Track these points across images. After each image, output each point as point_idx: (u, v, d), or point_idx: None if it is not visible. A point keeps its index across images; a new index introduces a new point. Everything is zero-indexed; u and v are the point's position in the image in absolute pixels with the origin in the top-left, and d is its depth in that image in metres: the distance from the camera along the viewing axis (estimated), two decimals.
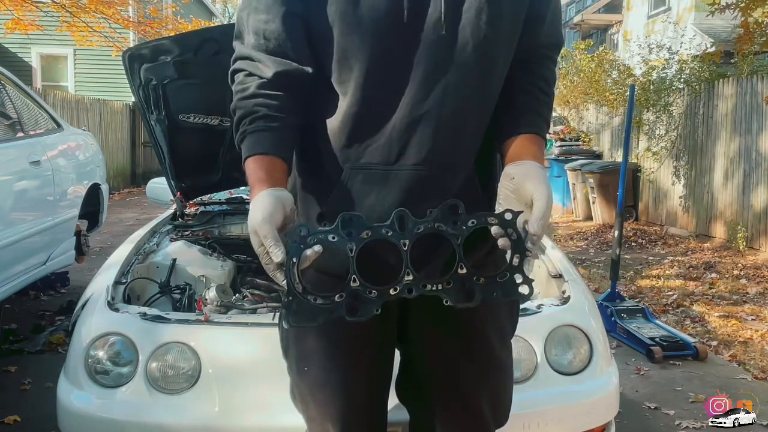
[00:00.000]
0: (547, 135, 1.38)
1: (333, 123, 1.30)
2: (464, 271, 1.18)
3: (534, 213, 1.18)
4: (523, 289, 1.20)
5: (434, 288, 1.18)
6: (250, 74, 1.29)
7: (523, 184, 1.22)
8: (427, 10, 1.24)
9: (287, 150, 1.29)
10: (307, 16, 1.26)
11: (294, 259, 1.15)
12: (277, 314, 1.94)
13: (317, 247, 1.16)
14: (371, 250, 1.20)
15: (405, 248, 1.18)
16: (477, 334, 1.40)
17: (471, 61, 1.25)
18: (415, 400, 1.48)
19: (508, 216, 1.19)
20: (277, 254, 1.13)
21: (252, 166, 1.26)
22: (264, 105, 1.27)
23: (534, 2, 1.31)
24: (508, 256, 1.19)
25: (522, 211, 1.19)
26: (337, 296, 1.16)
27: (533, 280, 1.21)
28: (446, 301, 1.18)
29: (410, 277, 1.17)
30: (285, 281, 1.15)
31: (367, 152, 1.28)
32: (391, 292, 1.17)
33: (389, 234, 1.18)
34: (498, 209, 1.25)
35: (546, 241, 2.75)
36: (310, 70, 1.28)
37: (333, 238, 1.17)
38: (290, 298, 1.16)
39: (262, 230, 1.15)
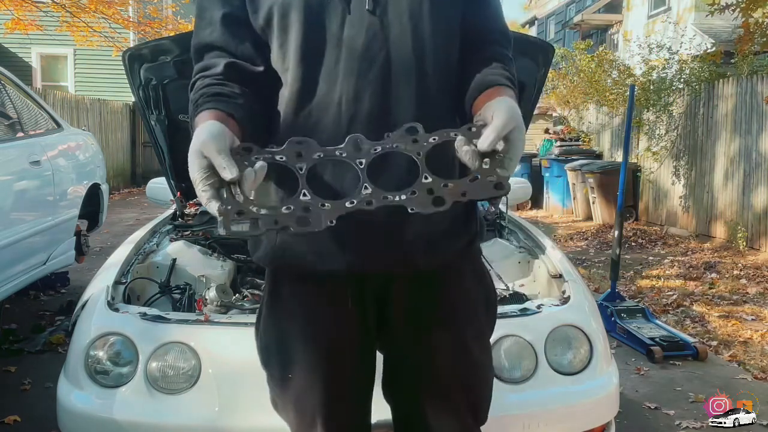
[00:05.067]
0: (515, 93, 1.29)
1: (282, 108, 1.29)
2: (429, 180, 1.11)
3: (489, 127, 1.12)
4: (498, 187, 1.12)
5: (397, 199, 1.10)
6: (205, 77, 1.27)
7: (486, 111, 1.17)
8: None
9: (241, 116, 1.21)
10: (241, 14, 1.29)
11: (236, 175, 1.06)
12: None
13: (260, 164, 1.08)
14: (324, 181, 1.17)
15: (361, 167, 1.11)
16: (453, 333, 1.39)
17: (399, 34, 1.26)
18: (395, 398, 1.47)
19: (470, 128, 1.14)
20: (232, 170, 1.05)
21: (199, 118, 1.18)
22: (219, 87, 1.24)
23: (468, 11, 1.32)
24: (470, 161, 1.12)
25: (484, 124, 1.14)
26: (284, 208, 1.08)
27: (508, 177, 1.13)
28: (411, 209, 1.10)
29: (368, 191, 1.10)
30: (223, 199, 1.06)
31: (318, 129, 1.25)
32: (347, 204, 1.09)
33: (343, 155, 1.12)
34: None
35: (546, 241, 2.75)
36: (260, 67, 1.29)
37: (281, 158, 1.10)
38: (228, 207, 1.06)
39: (209, 147, 1.07)
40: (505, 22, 1.43)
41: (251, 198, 1.08)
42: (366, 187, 1.10)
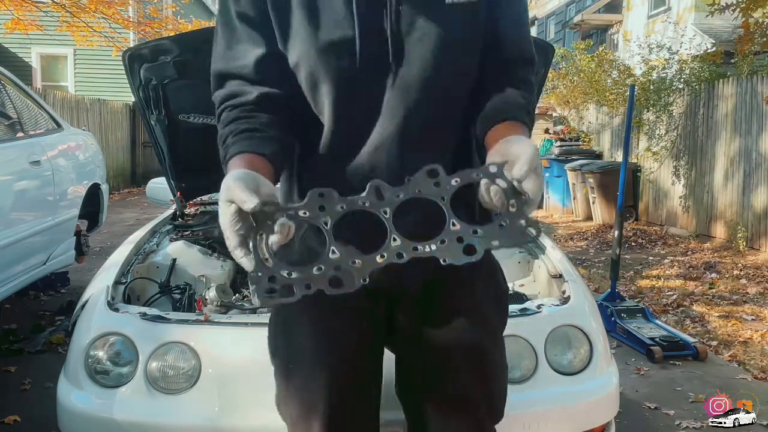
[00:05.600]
0: (533, 130, 1.34)
1: (318, 146, 1.32)
2: (457, 227, 1.08)
3: (518, 162, 1.11)
4: (530, 231, 1.09)
5: (427, 249, 1.07)
6: (234, 107, 1.28)
7: (508, 148, 1.16)
8: (375, 39, 1.25)
9: (271, 151, 1.23)
10: (277, 52, 1.28)
11: (261, 234, 1.05)
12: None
13: (283, 220, 1.06)
14: (350, 227, 1.14)
15: (387, 215, 1.09)
16: (464, 332, 1.39)
17: (421, 88, 1.27)
18: (409, 397, 1.47)
19: (493, 168, 1.12)
20: (252, 200, 1.04)
21: (230, 165, 1.19)
22: (246, 122, 1.25)
23: (491, 22, 1.30)
24: (499, 202, 1.10)
25: (506, 162, 1.12)
26: (315, 269, 1.05)
27: (538, 221, 1.11)
28: (444, 261, 1.07)
29: (397, 242, 1.08)
30: (252, 257, 1.05)
31: (345, 171, 1.29)
32: (378, 259, 1.07)
33: (366, 204, 1.10)
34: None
35: (546, 241, 2.75)
36: (291, 95, 1.30)
37: (305, 213, 1.08)
38: (259, 273, 1.05)
39: (234, 191, 1.06)
40: (530, 37, 1.41)
41: (274, 250, 1.06)
42: (395, 239, 1.08)
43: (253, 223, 1.06)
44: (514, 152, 1.13)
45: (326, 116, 1.29)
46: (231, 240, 1.07)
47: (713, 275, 6.37)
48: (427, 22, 1.25)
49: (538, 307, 2.10)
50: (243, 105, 1.27)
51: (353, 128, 1.29)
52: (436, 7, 1.25)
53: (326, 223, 1.08)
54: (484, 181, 1.11)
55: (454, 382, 1.39)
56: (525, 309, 2.08)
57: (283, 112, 1.29)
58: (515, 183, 1.10)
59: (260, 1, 1.27)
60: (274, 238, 1.05)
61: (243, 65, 1.29)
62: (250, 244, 1.06)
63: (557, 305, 2.13)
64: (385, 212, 1.09)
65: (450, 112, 1.33)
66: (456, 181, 1.11)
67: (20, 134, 4.20)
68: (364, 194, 1.10)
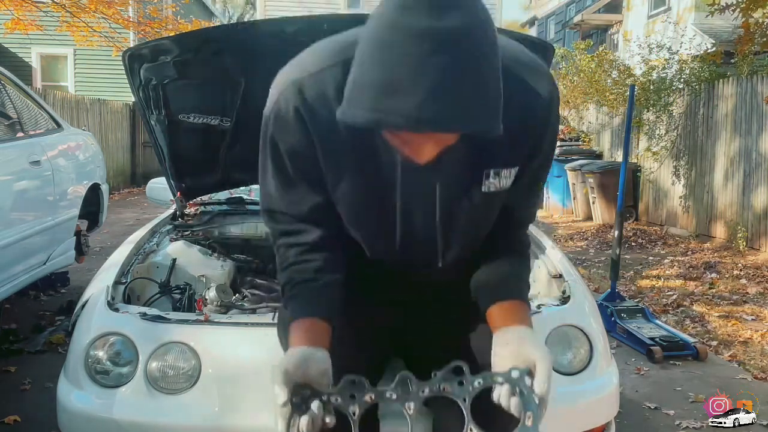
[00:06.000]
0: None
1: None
2: None
3: (538, 374, 1.22)
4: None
5: None
6: (290, 245, 1.39)
7: (521, 349, 1.26)
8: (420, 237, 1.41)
9: (328, 309, 1.36)
10: (328, 200, 1.39)
11: (296, 416, 1.17)
12: (277, 314, 1.95)
13: (317, 405, 1.17)
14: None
15: (410, 411, 1.19)
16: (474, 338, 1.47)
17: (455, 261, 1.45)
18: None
19: (515, 374, 1.21)
20: (280, 397, 1.18)
21: (293, 328, 1.33)
22: (302, 270, 1.37)
23: (510, 197, 1.41)
24: (517, 412, 1.20)
25: (529, 369, 1.23)
26: None
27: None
28: None
29: None
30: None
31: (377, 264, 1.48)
32: None
33: (393, 397, 1.19)
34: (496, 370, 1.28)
35: (546, 241, 2.75)
36: (340, 233, 1.42)
37: (336, 399, 1.19)
38: None
39: (277, 375, 1.20)
40: (533, 211, 1.57)
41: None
42: None
43: (291, 404, 1.18)
44: (532, 360, 1.24)
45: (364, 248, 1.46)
46: (278, 416, 1.20)
47: (713, 275, 6.37)
48: (467, 210, 1.38)
49: (538, 307, 2.10)
50: (301, 245, 1.39)
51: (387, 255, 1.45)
52: (474, 196, 1.36)
53: (354, 413, 1.19)
54: (505, 389, 1.21)
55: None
56: None
57: (337, 249, 1.41)
58: (535, 396, 1.20)
59: (314, 158, 1.33)
60: (304, 421, 1.17)
61: (299, 210, 1.39)
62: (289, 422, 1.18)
63: (557, 305, 2.13)
64: (409, 408, 1.20)
65: (478, 241, 1.48)
66: (479, 383, 1.21)
67: (20, 134, 4.20)
68: (392, 385, 1.21)
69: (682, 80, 8.93)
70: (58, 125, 4.87)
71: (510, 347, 1.27)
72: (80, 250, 4.86)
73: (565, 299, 2.16)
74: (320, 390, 1.19)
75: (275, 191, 1.39)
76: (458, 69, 1.03)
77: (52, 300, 4.93)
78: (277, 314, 2.01)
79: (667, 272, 6.58)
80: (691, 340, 4.19)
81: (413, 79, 1.02)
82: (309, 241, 1.38)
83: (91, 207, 5.04)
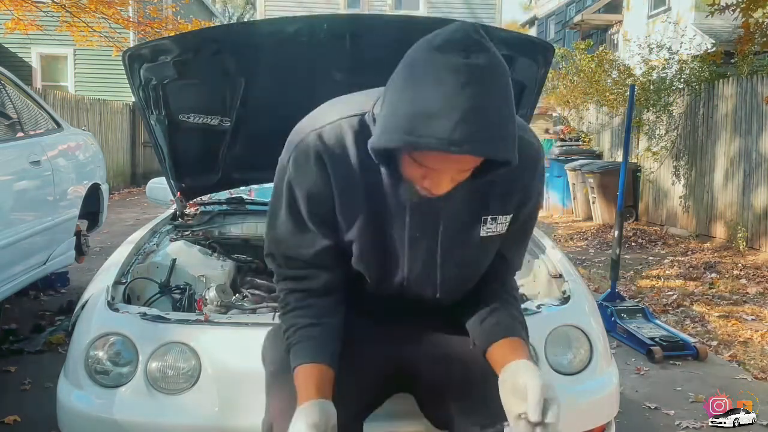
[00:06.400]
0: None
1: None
2: None
3: (530, 401, 1.28)
4: None
5: None
6: (293, 291, 1.48)
7: (516, 381, 1.33)
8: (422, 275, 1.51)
9: (331, 353, 1.43)
10: (337, 243, 1.47)
11: None
12: (277, 314, 1.95)
13: None
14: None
15: None
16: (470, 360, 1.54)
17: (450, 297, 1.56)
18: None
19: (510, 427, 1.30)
20: None
21: (300, 376, 1.39)
22: (303, 315, 1.45)
23: (502, 244, 1.54)
24: None
25: (522, 413, 1.29)
26: None
27: None
28: None
29: None
30: None
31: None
32: None
33: None
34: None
35: (546, 241, 2.75)
36: (342, 276, 1.50)
37: None
38: None
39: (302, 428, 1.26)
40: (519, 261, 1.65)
41: None
42: None
43: None
44: (522, 386, 1.31)
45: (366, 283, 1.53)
46: None
47: (713, 275, 6.37)
48: (465, 249, 1.49)
49: (538, 307, 2.10)
50: (304, 291, 1.48)
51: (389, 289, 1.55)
52: (473, 238, 1.48)
53: None
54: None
55: (485, 406, 1.49)
56: (525, 309, 2.07)
57: (338, 292, 1.50)
58: (538, 428, 1.28)
59: (329, 201, 1.42)
60: None
61: (307, 253, 1.46)
62: None
63: (557, 305, 2.13)
64: None
65: (473, 279, 1.58)
66: None
67: (20, 134, 4.19)
68: None
69: (682, 80, 8.93)
70: (58, 125, 4.86)
71: (507, 384, 1.35)
72: (80, 250, 4.86)
73: (565, 299, 2.17)
74: None
75: (286, 235, 1.46)
76: (487, 99, 1.17)
77: (52, 300, 4.94)
78: (277, 313, 2.02)
79: (667, 272, 6.59)
80: (691, 340, 4.19)
81: (448, 106, 1.15)
82: (313, 287, 1.47)
83: (91, 207, 5.04)
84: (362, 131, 1.37)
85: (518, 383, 1.32)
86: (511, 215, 1.49)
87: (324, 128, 1.40)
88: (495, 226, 1.48)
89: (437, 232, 1.45)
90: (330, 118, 1.41)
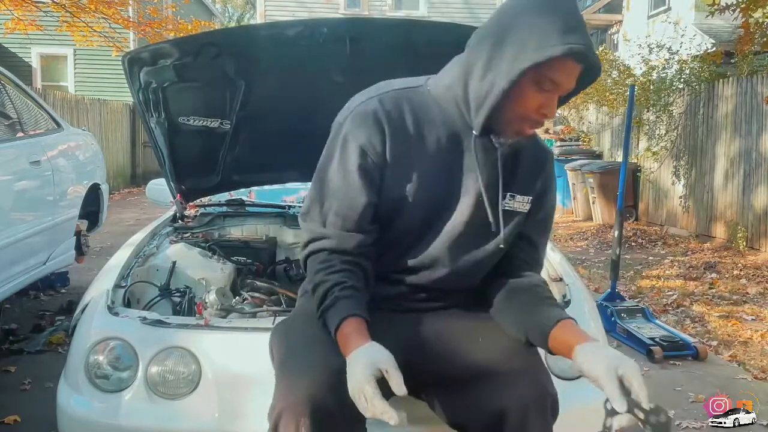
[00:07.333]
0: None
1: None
2: None
3: (607, 393, 1.33)
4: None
5: None
6: (332, 250, 1.52)
7: (587, 374, 1.39)
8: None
9: (367, 312, 1.48)
10: (377, 203, 1.54)
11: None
12: (278, 318, 1.95)
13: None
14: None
15: None
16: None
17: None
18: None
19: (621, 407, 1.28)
20: (393, 416, 1.28)
21: (354, 324, 1.42)
22: (350, 277, 1.50)
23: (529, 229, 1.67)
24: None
25: (628, 394, 1.33)
26: None
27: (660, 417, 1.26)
28: None
29: None
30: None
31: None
32: None
33: None
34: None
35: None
36: (375, 236, 1.56)
37: None
38: None
39: (366, 392, 1.30)
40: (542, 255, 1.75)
41: None
42: None
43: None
44: (594, 379, 1.37)
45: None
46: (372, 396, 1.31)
47: (713, 275, 6.38)
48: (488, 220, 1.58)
49: None
50: (347, 252, 1.53)
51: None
52: (497, 209, 1.57)
53: None
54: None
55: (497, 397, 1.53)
56: None
57: (371, 259, 1.56)
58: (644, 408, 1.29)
59: (381, 156, 1.51)
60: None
61: (349, 209, 1.52)
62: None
63: None
64: None
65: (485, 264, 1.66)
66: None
67: (20, 134, 4.19)
68: None
69: (682, 80, 8.93)
70: (58, 125, 4.86)
71: (600, 365, 1.36)
72: (80, 250, 4.86)
73: (566, 303, 2.16)
74: None
75: (334, 189, 1.52)
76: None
77: (52, 300, 4.94)
78: (277, 317, 2.02)
79: (667, 272, 6.59)
80: (691, 340, 4.19)
81: (578, 22, 1.40)
82: (352, 248, 1.52)
83: (91, 207, 5.04)
84: (420, 99, 1.54)
85: (591, 377, 1.38)
86: (531, 198, 1.62)
87: (383, 95, 1.53)
88: (513, 203, 1.60)
89: (473, 197, 1.56)
90: (388, 89, 1.56)
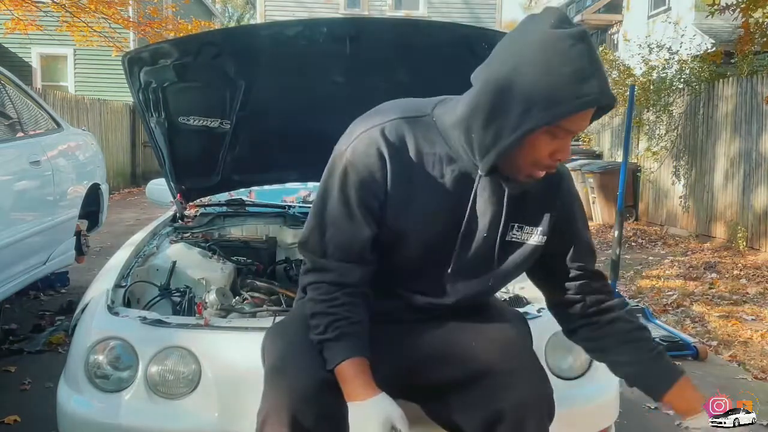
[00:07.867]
0: None
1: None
2: None
3: None
4: None
5: None
6: (335, 283, 1.49)
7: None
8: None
9: (366, 347, 1.47)
10: (378, 234, 1.51)
11: None
12: (277, 318, 1.95)
13: None
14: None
15: None
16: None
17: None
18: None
19: None
20: None
21: (358, 366, 1.42)
22: (355, 312, 1.48)
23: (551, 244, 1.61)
24: None
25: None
26: None
27: None
28: None
29: None
30: None
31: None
32: None
33: None
34: None
35: None
36: (376, 265, 1.54)
37: None
38: None
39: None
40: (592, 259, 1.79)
41: None
42: None
43: None
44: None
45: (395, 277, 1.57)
46: None
47: (713, 275, 6.38)
48: (487, 248, 1.56)
49: (539, 311, 2.10)
50: (347, 285, 1.50)
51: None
52: (500, 239, 1.56)
53: None
54: None
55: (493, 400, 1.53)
56: (525, 313, 2.08)
57: (369, 291, 1.53)
58: None
59: (381, 191, 1.48)
60: None
61: (351, 242, 1.49)
62: None
63: None
64: None
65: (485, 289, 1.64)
66: None
67: (20, 134, 4.19)
68: None
69: (682, 80, 8.93)
70: (58, 125, 4.86)
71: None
72: (80, 250, 4.86)
73: None
74: None
75: (333, 220, 1.49)
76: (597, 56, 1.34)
77: (52, 300, 4.93)
78: (277, 317, 2.02)
79: (667, 272, 6.59)
80: (691, 340, 4.19)
81: (591, 66, 1.29)
82: (355, 281, 1.50)
83: (91, 207, 5.04)
84: (424, 131, 1.48)
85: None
86: (540, 228, 1.58)
87: (386, 124, 1.47)
88: (520, 234, 1.56)
89: (473, 230, 1.53)
90: (392, 116, 1.49)
